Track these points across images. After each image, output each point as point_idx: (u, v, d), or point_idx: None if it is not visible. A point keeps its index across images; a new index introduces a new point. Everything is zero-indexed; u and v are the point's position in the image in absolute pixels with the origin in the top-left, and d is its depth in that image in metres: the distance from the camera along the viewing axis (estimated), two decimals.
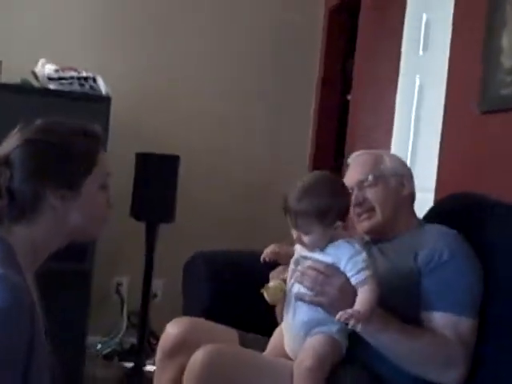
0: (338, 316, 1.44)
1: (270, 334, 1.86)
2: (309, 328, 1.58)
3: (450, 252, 1.63)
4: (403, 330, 1.55)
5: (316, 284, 1.52)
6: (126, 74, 3.48)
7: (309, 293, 1.54)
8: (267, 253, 1.74)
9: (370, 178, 1.77)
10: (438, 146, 2.71)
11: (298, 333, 1.60)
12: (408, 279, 1.65)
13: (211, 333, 1.81)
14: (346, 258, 1.53)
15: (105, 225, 1.39)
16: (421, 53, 3.10)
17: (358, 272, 1.51)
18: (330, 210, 1.54)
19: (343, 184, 1.65)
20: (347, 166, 1.93)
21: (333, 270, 1.54)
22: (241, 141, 3.68)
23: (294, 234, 1.59)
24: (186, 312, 2.10)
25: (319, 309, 1.56)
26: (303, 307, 1.59)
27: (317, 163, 3.66)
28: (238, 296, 2.05)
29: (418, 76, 3.09)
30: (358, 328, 1.43)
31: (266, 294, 1.62)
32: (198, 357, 1.54)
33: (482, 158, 2.25)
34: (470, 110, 2.30)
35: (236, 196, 3.64)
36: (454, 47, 2.49)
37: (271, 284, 1.63)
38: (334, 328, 1.58)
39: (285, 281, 1.65)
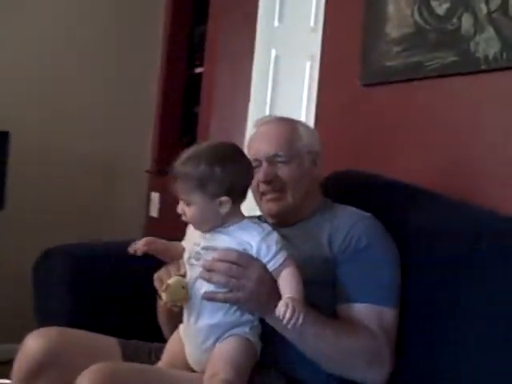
0: (279, 314, 1.20)
1: (153, 339, 1.58)
2: (218, 333, 1.32)
3: (367, 238, 1.46)
4: (326, 321, 1.35)
5: (230, 278, 1.28)
6: None
7: (220, 290, 1.29)
8: (139, 245, 1.43)
9: (285, 153, 1.54)
10: (309, 117, 2.59)
11: (204, 339, 1.33)
12: (322, 269, 1.45)
13: (86, 345, 1.48)
14: (257, 240, 1.30)
15: None
16: (276, 24, 2.97)
17: (275, 255, 1.29)
18: (211, 178, 1.29)
19: (244, 159, 1.38)
20: (253, 131, 1.66)
21: (247, 258, 1.30)
22: (80, 116, 3.27)
23: (179, 206, 1.34)
24: (43, 321, 1.72)
25: (230, 310, 1.32)
26: (208, 309, 1.32)
27: (162, 141, 3.38)
28: (109, 298, 1.72)
29: (273, 48, 2.96)
30: (300, 320, 1.21)
31: (164, 294, 1.32)
32: (86, 381, 1.22)
33: (364, 134, 2.13)
34: (349, 82, 2.16)
35: (80, 177, 3.25)
36: (329, 15, 2.34)
37: (171, 281, 1.34)
38: (246, 328, 1.33)
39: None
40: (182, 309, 1.37)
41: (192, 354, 1.37)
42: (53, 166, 3.16)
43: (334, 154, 2.20)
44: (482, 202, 1.60)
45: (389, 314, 1.41)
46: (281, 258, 1.29)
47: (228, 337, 1.32)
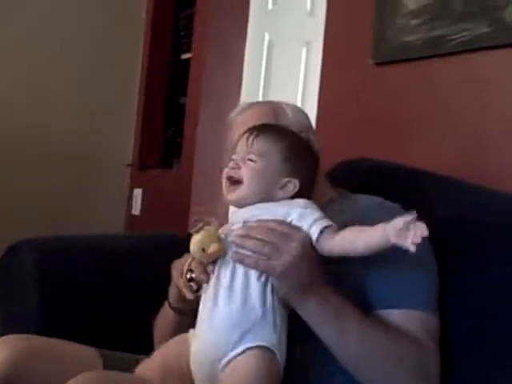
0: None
1: (138, 351, 1.33)
2: (237, 331, 1.03)
3: None
4: (372, 320, 1.11)
5: (266, 243, 1.03)
6: None
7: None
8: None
9: None
10: (305, 106, 2.38)
11: (217, 339, 1.05)
12: (347, 267, 1.20)
13: (60, 356, 1.22)
14: (296, 209, 1.08)
15: None
16: (270, 6, 2.77)
17: (318, 220, 1.06)
18: (300, 158, 1.15)
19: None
20: (230, 123, 1.43)
21: (289, 226, 1.06)
22: (59, 107, 3.02)
23: (233, 158, 1.12)
24: (6, 328, 1.46)
25: (257, 296, 1.04)
26: (235, 290, 1.05)
27: (145, 133, 3.14)
28: (87, 300, 1.46)
29: (267, 32, 2.77)
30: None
31: (196, 237, 1.06)
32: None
33: (376, 119, 1.91)
34: (359, 63, 1.94)
35: (57, 171, 3.01)
36: None
37: (210, 227, 1.08)
38: (273, 336, 1.04)
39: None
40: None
41: (198, 361, 1.07)
42: (28, 159, 2.93)
43: (341, 142, 1.99)
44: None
45: (433, 321, 1.17)
46: (325, 222, 1.06)
47: (249, 349, 1.03)
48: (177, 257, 1.22)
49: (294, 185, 1.11)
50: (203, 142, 2.72)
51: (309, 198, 1.14)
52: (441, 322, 1.18)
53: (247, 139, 1.13)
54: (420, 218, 1.27)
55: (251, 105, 1.41)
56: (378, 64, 1.88)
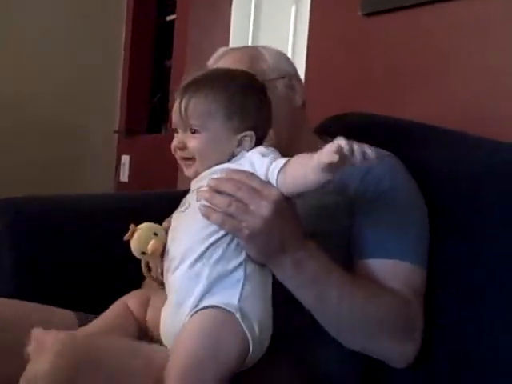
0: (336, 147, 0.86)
1: None
2: (198, 292, 0.95)
3: (390, 179, 1.16)
4: (353, 279, 1.05)
5: (232, 202, 0.94)
6: None
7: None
8: None
9: None
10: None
11: (177, 304, 0.98)
12: (332, 220, 1.15)
13: (37, 318, 1.16)
14: (248, 155, 1.01)
15: None
16: None
17: (274, 159, 0.97)
18: (245, 107, 1.01)
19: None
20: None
21: (261, 180, 0.97)
22: (41, 78, 2.95)
23: (176, 138, 1.04)
24: None
25: (220, 254, 0.96)
26: (190, 255, 0.97)
27: (131, 98, 3.06)
28: (65, 265, 1.40)
29: None
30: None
31: (132, 247, 1.02)
32: (45, 358, 0.89)
33: (367, 72, 1.83)
34: (348, 15, 1.86)
35: (42, 139, 2.95)
36: None
37: (140, 226, 1.03)
38: (234, 295, 0.95)
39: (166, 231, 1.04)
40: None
41: (164, 326, 1.01)
42: (13, 126, 2.87)
43: (332, 97, 1.92)
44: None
45: (420, 274, 1.12)
46: (282, 160, 0.96)
47: (205, 308, 0.94)
48: (165, 216, 1.15)
49: (250, 137, 1.02)
50: None
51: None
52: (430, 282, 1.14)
53: (180, 105, 1.01)
54: (412, 170, 1.23)
55: (226, 52, 1.32)
56: (367, 15, 1.80)
